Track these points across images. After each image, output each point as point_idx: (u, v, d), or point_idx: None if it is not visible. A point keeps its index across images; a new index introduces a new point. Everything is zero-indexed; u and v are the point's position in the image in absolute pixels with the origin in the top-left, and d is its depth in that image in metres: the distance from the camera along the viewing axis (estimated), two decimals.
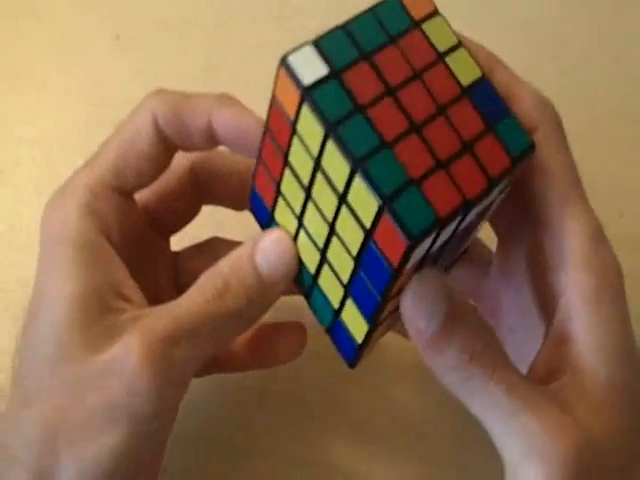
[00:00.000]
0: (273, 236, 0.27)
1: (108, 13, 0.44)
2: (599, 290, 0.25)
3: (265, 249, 0.26)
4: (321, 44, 0.26)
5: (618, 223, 0.38)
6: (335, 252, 0.26)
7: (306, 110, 0.24)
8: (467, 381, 0.24)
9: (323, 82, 0.24)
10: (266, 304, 0.27)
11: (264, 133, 0.26)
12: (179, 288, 0.32)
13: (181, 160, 0.31)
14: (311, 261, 0.27)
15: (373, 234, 0.24)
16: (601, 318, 0.25)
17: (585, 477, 0.23)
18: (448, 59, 0.26)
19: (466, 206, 0.24)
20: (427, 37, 0.26)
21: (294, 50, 0.25)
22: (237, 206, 0.33)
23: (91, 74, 0.43)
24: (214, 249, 0.33)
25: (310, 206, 0.26)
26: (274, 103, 0.25)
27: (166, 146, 0.28)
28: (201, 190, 0.32)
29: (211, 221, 0.34)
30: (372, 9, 0.27)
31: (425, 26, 0.26)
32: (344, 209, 0.24)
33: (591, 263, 0.25)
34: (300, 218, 0.26)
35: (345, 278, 0.26)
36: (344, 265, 0.26)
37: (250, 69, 0.42)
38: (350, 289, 0.26)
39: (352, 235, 0.24)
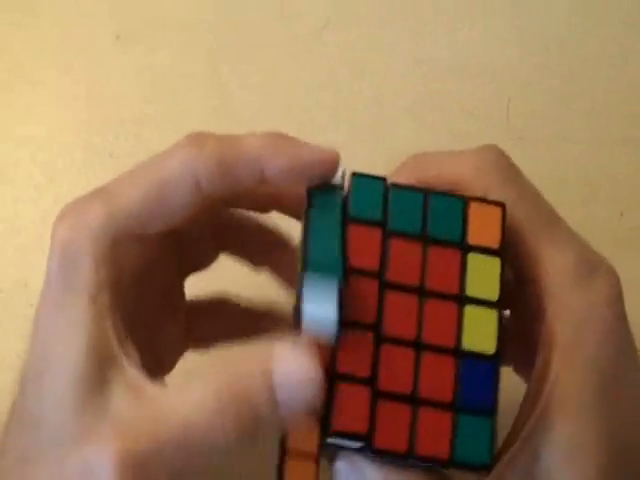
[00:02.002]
0: (296, 356, 0.22)
1: (108, 13, 0.44)
2: (575, 347, 0.23)
3: (284, 370, 0.22)
4: (353, 186, 0.24)
5: (618, 223, 0.38)
6: None
7: None
8: None
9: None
10: (274, 431, 0.24)
11: None
12: (186, 331, 0.31)
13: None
14: None
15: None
16: (577, 381, 0.23)
17: None
18: (467, 308, 0.23)
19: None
20: (464, 268, 0.23)
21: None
22: (256, 262, 0.30)
23: (91, 74, 0.43)
24: (223, 312, 0.31)
25: None
26: None
27: (204, 205, 0.25)
28: (220, 237, 0.30)
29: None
30: (432, 194, 0.23)
31: (473, 258, 0.23)
32: None
33: (566, 315, 0.23)
34: None
35: None
36: None
37: (251, 69, 0.42)
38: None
39: None
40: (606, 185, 0.39)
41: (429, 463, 0.23)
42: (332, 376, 0.23)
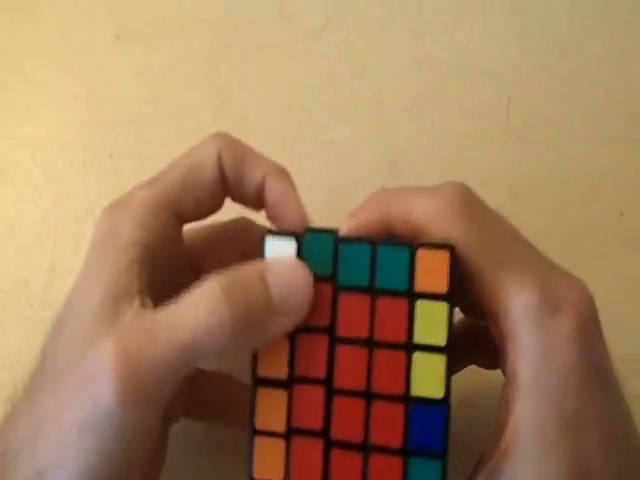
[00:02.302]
0: (289, 261, 0.25)
1: (108, 13, 0.44)
2: (534, 385, 0.23)
3: (280, 273, 0.25)
4: (305, 241, 0.25)
5: (618, 223, 0.38)
6: None
7: None
8: None
9: None
10: (266, 334, 0.25)
11: None
12: None
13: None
14: None
15: None
16: (535, 419, 0.23)
17: None
18: (416, 355, 0.23)
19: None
20: (412, 316, 0.24)
21: (277, 233, 0.25)
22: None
23: (91, 74, 0.43)
24: None
25: None
26: None
27: (224, 188, 0.29)
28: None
29: None
30: (379, 246, 0.24)
31: (420, 305, 0.24)
32: None
33: (527, 352, 0.23)
34: None
35: None
36: None
37: (251, 69, 0.42)
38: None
39: None
40: (606, 185, 0.39)
41: None
42: (288, 433, 0.24)
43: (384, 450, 0.24)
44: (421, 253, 0.24)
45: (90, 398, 0.24)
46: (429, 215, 0.25)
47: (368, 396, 0.24)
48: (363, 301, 0.24)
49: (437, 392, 0.23)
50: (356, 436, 0.24)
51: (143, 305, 0.26)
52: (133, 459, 0.25)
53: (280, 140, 0.40)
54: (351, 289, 0.24)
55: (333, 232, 0.25)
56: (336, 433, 0.24)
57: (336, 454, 0.24)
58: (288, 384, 0.25)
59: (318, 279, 0.24)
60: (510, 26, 0.42)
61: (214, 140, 0.29)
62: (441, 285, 0.23)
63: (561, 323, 0.24)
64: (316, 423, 0.24)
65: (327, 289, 0.24)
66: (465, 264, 0.24)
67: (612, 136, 0.40)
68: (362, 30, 0.43)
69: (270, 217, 0.30)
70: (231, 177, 0.29)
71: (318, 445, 0.24)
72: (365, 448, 0.24)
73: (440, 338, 0.23)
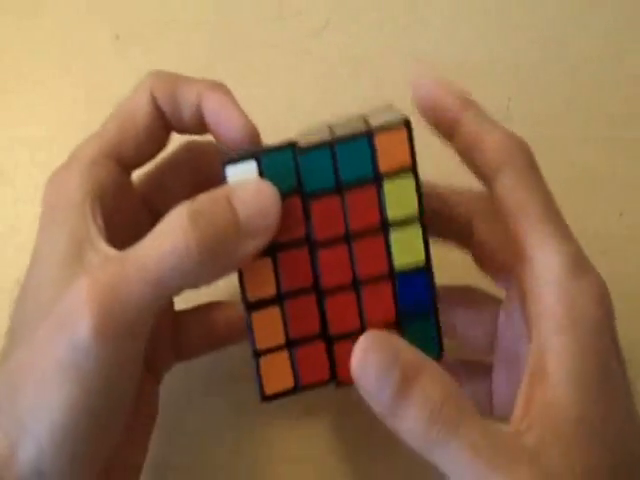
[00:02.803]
0: (257, 186, 0.25)
1: (108, 13, 0.44)
2: (572, 321, 0.24)
3: (247, 195, 0.25)
4: (264, 162, 0.25)
5: (618, 223, 0.38)
6: None
7: None
8: (429, 443, 0.23)
9: None
10: (236, 257, 0.25)
11: None
12: None
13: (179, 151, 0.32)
14: None
15: None
16: (574, 350, 0.24)
17: None
18: (394, 233, 0.24)
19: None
20: (382, 197, 0.24)
21: (236, 159, 0.25)
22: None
23: (91, 74, 0.43)
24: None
25: None
26: None
27: (163, 124, 0.29)
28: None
29: None
30: (338, 144, 0.25)
31: (387, 184, 0.24)
32: None
33: (564, 294, 0.25)
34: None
35: None
36: None
37: (250, 69, 0.42)
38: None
39: None
40: (606, 185, 0.39)
41: None
42: (288, 344, 0.25)
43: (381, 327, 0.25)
44: (380, 138, 0.24)
45: (66, 338, 0.24)
46: (498, 149, 0.26)
47: (357, 286, 0.25)
48: (333, 201, 0.24)
49: (418, 259, 0.24)
50: (354, 325, 0.25)
51: (105, 245, 0.26)
52: (114, 399, 0.25)
53: (280, 140, 0.40)
54: (320, 194, 0.25)
55: (290, 145, 0.25)
56: (334, 329, 0.25)
57: (338, 347, 0.25)
58: (279, 300, 0.25)
59: (286, 194, 0.25)
60: (510, 26, 0.42)
61: (146, 81, 0.29)
62: (404, 160, 0.24)
63: (590, 281, 0.25)
64: (313, 328, 0.25)
65: (296, 202, 0.25)
66: (509, 214, 0.26)
67: (611, 136, 0.40)
68: (362, 30, 0.43)
69: (215, 136, 0.29)
70: (168, 110, 0.29)
71: (320, 347, 0.25)
72: (363, 332, 0.24)
73: (412, 209, 0.24)
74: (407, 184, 0.24)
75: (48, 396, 0.24)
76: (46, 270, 0.26)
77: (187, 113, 0.29)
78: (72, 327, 0.24)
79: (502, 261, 0.28)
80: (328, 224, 0.25)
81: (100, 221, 0.27)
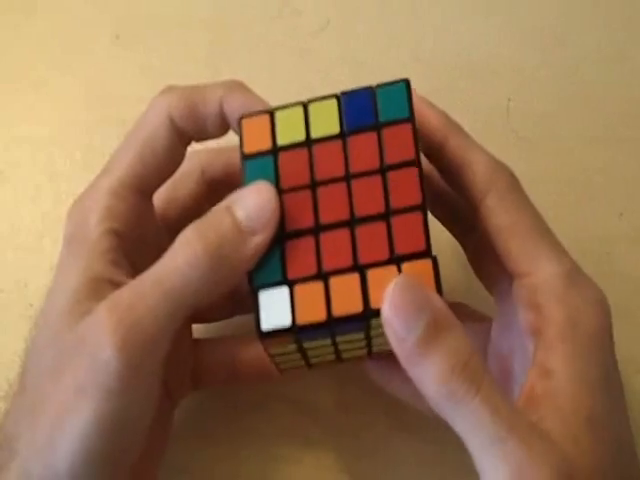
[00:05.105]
0: (253, 187, 0.26)
1: (108, 12, 0.44)
2: (575, 329, 0.25)
3: (244, 198, 0.26)
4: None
5: (618, 223, 0.38)
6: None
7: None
8: (450, 397, 0.23)
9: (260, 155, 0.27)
10: (244, 255, 0.25)
11: None
12: None
13: (191, 163, 0.31)
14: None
15: None
16: (578, 354, 0.25)
17: None
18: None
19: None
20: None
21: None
22: None
23: (91, 74, 0.43)
24: None
25: None
26: None
27: (181, 139, 0.29)
28: (211, 190, 0.32)
29: None
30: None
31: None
32: None
33: (565, 300, 0.25)
34: None
35: None
36: None
37: (250, 69, 0.42)
38: None
39: None
40: (606, 185, 0.39)
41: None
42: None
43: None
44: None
45: (87, 361, 0.24)
46: (485, 173, 0.27)
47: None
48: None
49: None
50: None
51: (123, 282, 0.26)
52: (134, 420, 0.25)
53: None
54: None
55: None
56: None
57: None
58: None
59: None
60: (510, 26, 0.42)
61: (159, 102, 0.29)
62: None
63: (587, 289, 0.26)
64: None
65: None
66: (500, 235, 0.26)
67: (611, 136, 0.40)
68: (362, 30, 0.43)
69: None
70: (189, 126, 0.29)
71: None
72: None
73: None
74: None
75: (68, 427, 0.24)
76: (61, 303, 0.26)
77: (210, 123, 0.29)
78: (93, 348, 0.24)
79: (497, 274, 0.29)
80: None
81: (122, 264, 0.27)
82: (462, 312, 0.30)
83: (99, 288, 0.26)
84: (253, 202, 0.26)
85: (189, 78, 0.42)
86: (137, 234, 0.28)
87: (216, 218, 0.26)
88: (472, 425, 0.22)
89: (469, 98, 0.41)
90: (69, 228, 0.28)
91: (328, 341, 0.26)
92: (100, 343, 0.24)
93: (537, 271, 0.26)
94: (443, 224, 0.32)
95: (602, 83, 0.41)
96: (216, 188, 0.30)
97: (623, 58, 0.42)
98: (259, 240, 0.25)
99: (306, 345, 0.26)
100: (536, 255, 0.26)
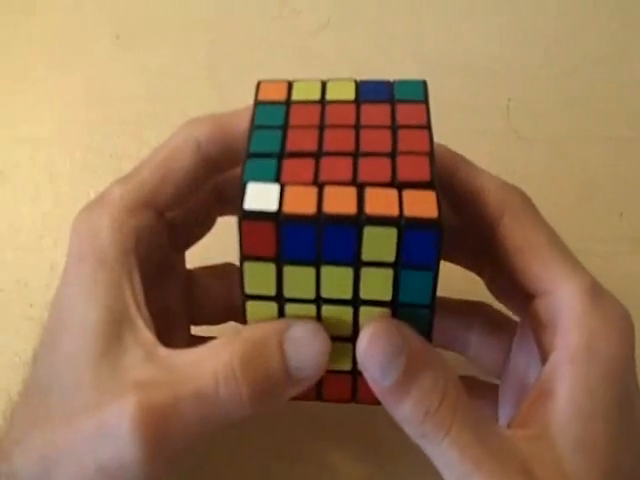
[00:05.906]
0: (308, 326, 0.24)
1: (108, 13, 0.44)
2: (589, 347, 0.24)
3: (298, 342, 0.24)
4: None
5: (618, 223, 0.38)
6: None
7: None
8: (422, 438, 0.23)
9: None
10: (284, 399, 0.25)
11: None
12: (189, 304, 0.31)
13: (185, 135, 0.29)
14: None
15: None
16: (585, 379, 0.24)
17: None
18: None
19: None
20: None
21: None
22: None
23: (91, 74, 0.43)
24: (228, 274, 0.31)
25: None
26: None
27: (206, 164, 0.28)
28: (220, 199, 0.31)
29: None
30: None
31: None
32: None
33: (583, 322, 0.25)
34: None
35: None
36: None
37: (250, 69, 0.42)
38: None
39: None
40: (606, 185, 0.39)
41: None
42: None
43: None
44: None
45: (114, 450, 0.23)
46: (499, 197, 0.27)
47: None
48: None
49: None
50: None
51: (144, 328, 0.25)
52: None
53: None
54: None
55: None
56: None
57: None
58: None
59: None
60: (510, 26, 0.42)
61: (185, 129, 0.28)
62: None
63: (608, 308, 0.25)
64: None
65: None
66: (517, 254, 0.26)
67: (612, 135, 0.40)
68: (362, 30, 0.43)
69: None
70: (216, 147, 0.27)
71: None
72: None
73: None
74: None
75: None
76: (78, 345, 0.25)
77: (240, 147, 0.27)
78: (122, 445, 0.23)
79: (516, 294, 0.28)
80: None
81: (140, 294, 0.26)
82: (487, 318, 0.31)
83: (121, 334, 0.24)
84: (307, 352, 0.24)
85: (189, 78, 0.42)
86: (147, 251, 0.27)
87: (266, 351, 0.24)
88: (443, 464, 0.23)
89: (469, 98, 0.41)
90: (76, 242, 0.26)
91: (312, 271, 0.24)
92: (127, 446, 0.23)
93: (556, 290, 0.26)
94: (457, 263, 0.31)
95: (601, 83, 0.41)
96: (213, 165, 0.28)
97: (623, 58, 0.42)
98: (301, 388, 0.25)
99: (287, 271, 0.24)
100: (555, 274, 0.26)
